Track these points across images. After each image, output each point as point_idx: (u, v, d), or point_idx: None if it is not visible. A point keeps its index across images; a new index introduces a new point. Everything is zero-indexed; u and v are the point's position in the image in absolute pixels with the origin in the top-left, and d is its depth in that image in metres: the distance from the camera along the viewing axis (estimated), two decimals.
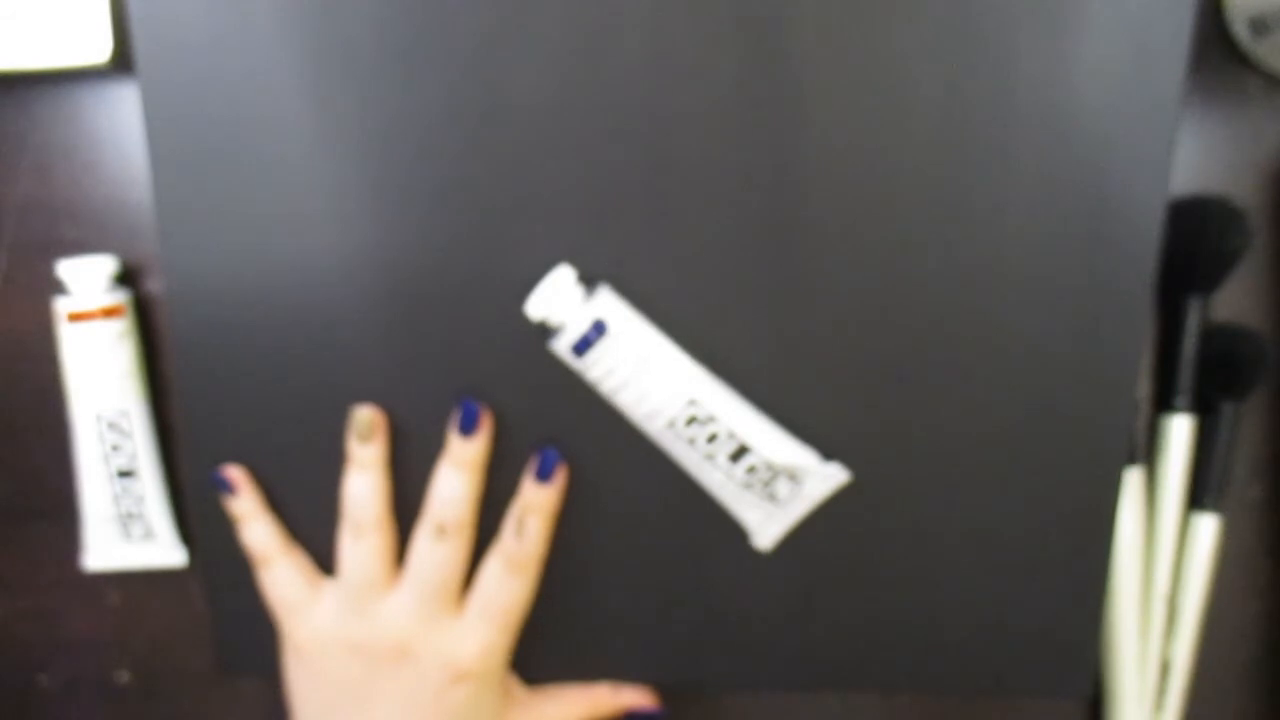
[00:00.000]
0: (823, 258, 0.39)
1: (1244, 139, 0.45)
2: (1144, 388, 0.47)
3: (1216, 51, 0.45)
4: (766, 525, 0.41)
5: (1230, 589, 0.49)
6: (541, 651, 0.44)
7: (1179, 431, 0.46)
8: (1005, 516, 0.42)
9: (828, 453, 0.41)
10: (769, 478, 0.40)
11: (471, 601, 0.41)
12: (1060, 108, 0.38)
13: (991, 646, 0.43)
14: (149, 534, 0.48)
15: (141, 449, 0.47)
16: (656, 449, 0.41)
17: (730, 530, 0.42)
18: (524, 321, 0.40)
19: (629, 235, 0.39)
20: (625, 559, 0.43)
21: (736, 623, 0.43)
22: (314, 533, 0.43)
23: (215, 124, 0.39)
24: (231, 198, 0.40)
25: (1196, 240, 0.44)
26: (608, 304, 0.39)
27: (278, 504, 0.42)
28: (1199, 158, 0.46)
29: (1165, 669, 0.47)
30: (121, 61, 0.44)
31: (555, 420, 0.41)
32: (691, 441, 0.40)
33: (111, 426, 0.46)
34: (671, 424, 0.39)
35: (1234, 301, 0.46)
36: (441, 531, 0.41)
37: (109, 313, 0.45)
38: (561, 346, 0.39)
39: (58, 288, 0.47)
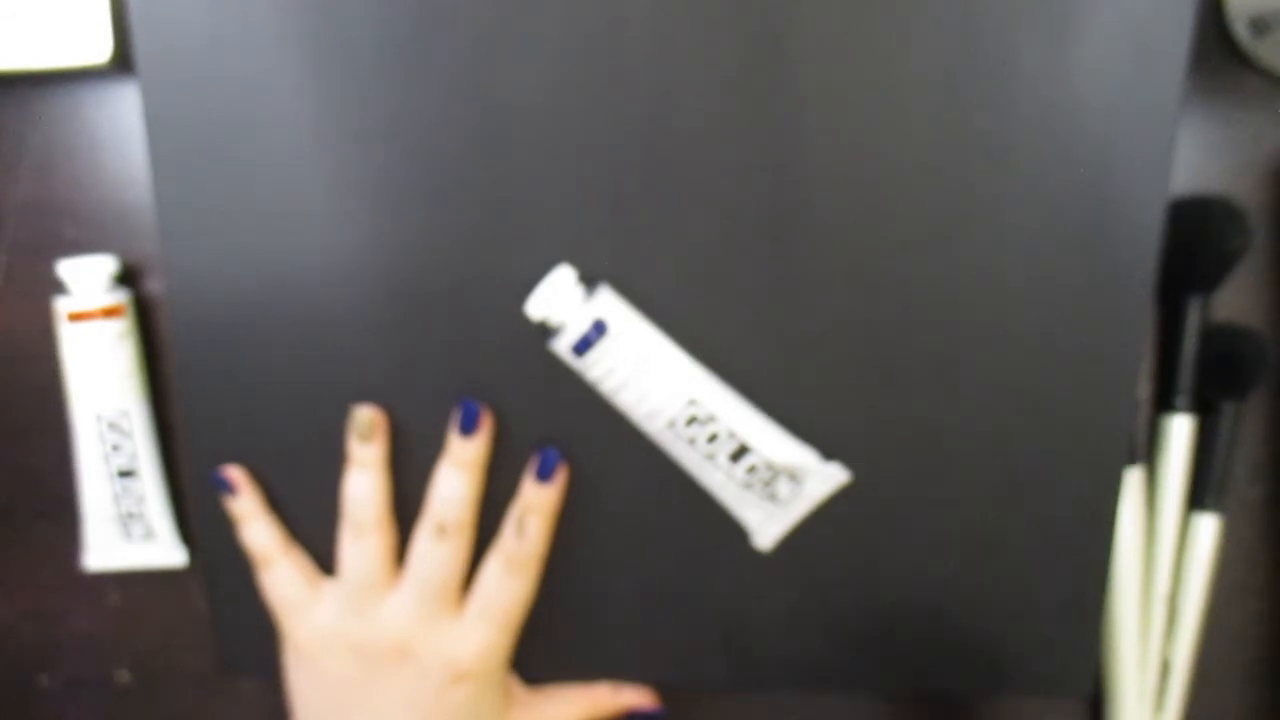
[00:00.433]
0: (823, 258, 0.39)
1: (1244, 139, 0.45)
2: (1144, 388, 0.47)
3: (1216, 51, 0.45)
4: (766, 525, 0.41)
5: (1230, 589, 0.49)
6: (541, 651, 0.44)
7: (1179, 431, 0.46)
8: (1005, 516, 0.42)
9: (828, 453, 0.41)
10: (769, 478, 0.40)
11: (471, 601, 0.41)
12: (1060, 108, 0.38)
13: (991, 646, 0.43)
14: (149, 534, 0.48)
15: (141, 449, 0.47)
16: (657, 449, 0.41)
17: (730, 530, 0.42)
18: (524, 321, 0.40)
19: (629, 235, 0.39)
20: (625, 559, 0.43)
21: (736, 623, 0.43)
22: (314, 533, 0.43)
23: (215, 124, 0.39)
24: (231, 198, 0.40)
25: (1197, 240, 0.44)
26: (608, 304, 0.39)
27: (278, 504, 0.42)
28: (1199, 158, 0.46)
29: (1165, 669, 0.47)
30: (121, 61, 0.44)
31: (555, 420, 0.41)
32: (692, 441, 0.40)
33: (111, 426, 0.46)
34: (672, 424, 0.39)
35: (1234, 301, 0.46)
36: (441, 531, 0.41)
37: (109, 313, 0.45)
38: (562, 346, 0.39)
39: (58, 288, 0.47)
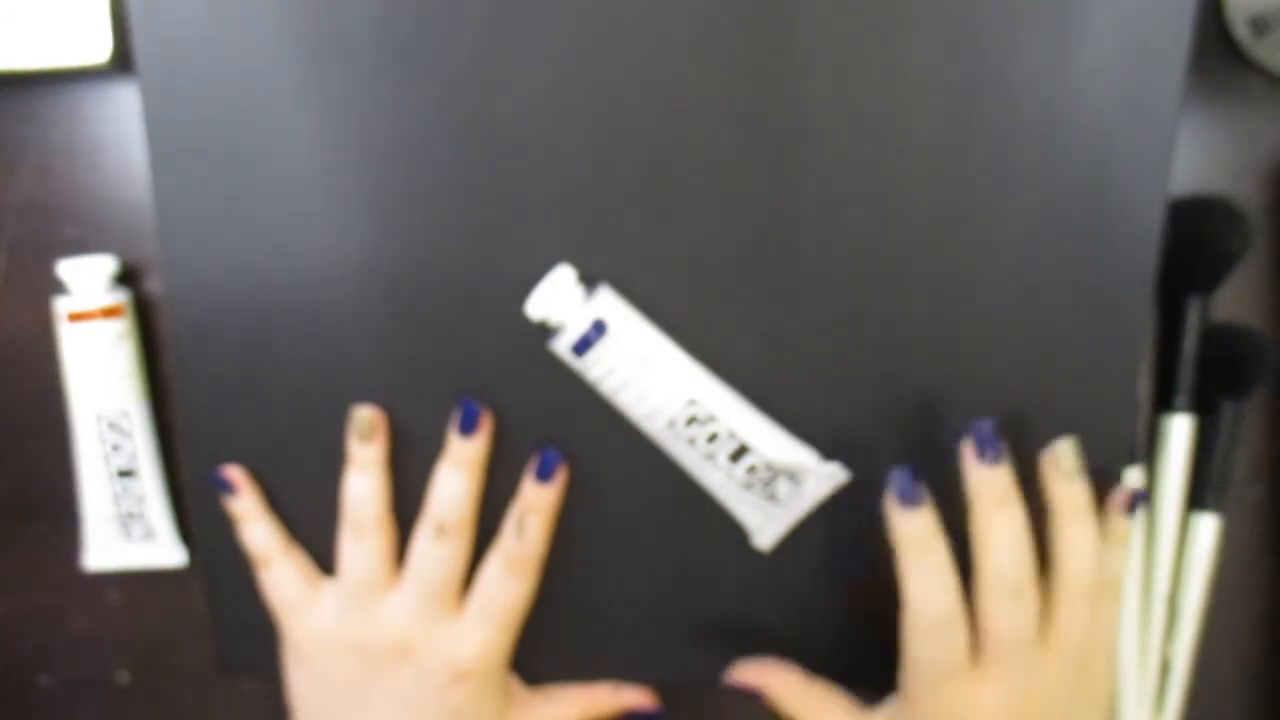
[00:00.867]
0: (822, 257, 0.39)
1: (1244, 139, 0.45)
2: (1144, 388, 0.47)
3: (1216, 51, 0.45)
4: (766, 525, 0.41)
5: (1230, 589, 0.49)
6: (541, 651, 0.44)
7: (1179, 431, 0.46)
8: None
9: (828, 453, 0.41)
10: (769, 478, 0.40)
11: (471, 601, 0.41)
12: (1060, 108, 0.38)
13: None
14: (149, 534, 0.48)
15: (141, 449, 0.47)
16: (657, 449, 0.41)
17: (730, 530, 0.42)
18: (524, 321, 0.40)
19: (629, 235, 0.39)
20: (625, 559, 0.43)
21: (736, 623, 0.43)
22: (314, 533, 0.43)
23: (215, 124, 0.39)
24: (231, 198, 0.40)
25: (1196, 240, 0.44)
26: (608, 304, 0.39)
27: (278, 504, 0.42)
28: (1199, 158, 0.46)
29: (1165, 669, 0.47)
30: (121, 61, 0.44)
31: (555, 420, 0.41)
32: (692, 441, 0.40)
33: (111, 426, 0.46)
34: (671, 424, 0.39)
35: (1234, 301, 0.46)
36: (441, 531, 0.41)
37: (109, 313, 0.45)
38: (562, 346, 0.39)
39: (58, 288, 0.47)
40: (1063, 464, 0.38)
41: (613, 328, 0.39)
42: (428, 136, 0.39)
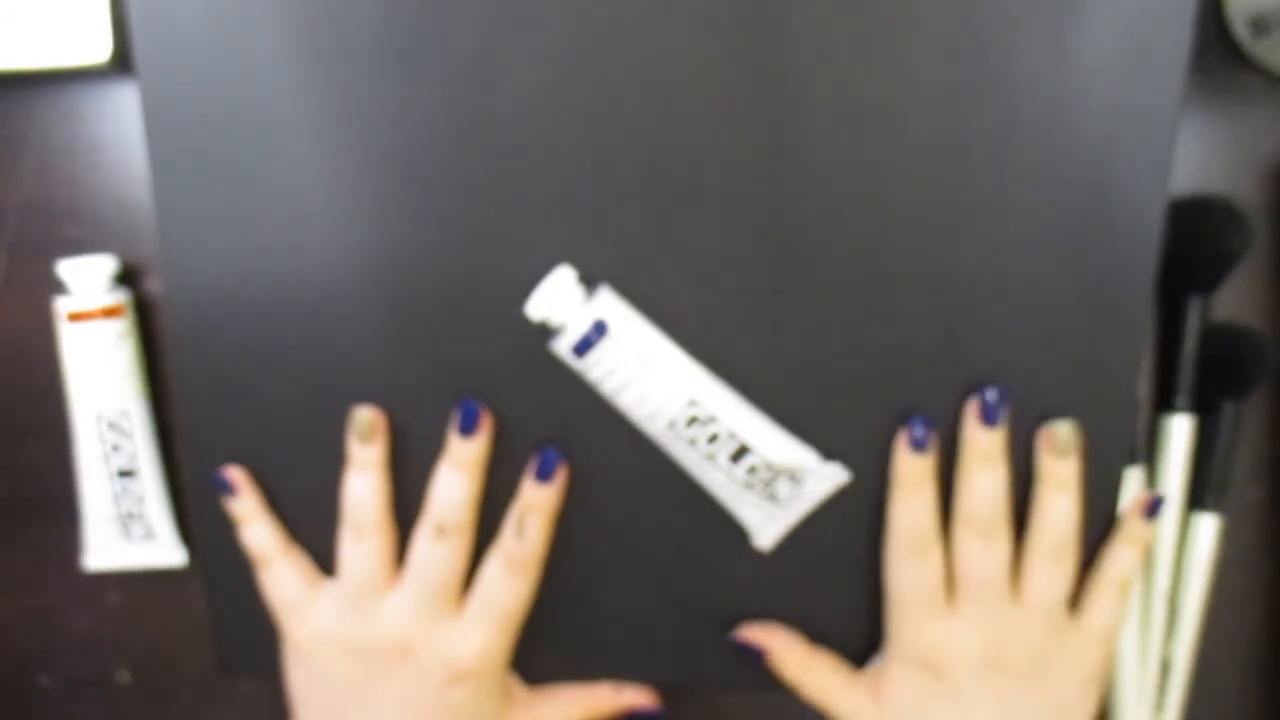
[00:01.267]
0: (823, 257, 0.39)
1: (1244, 139, 0.46)
2: (1144, 388, 0.47)
3: (1216, 51, 0.45)
4: (766, 525, 0.41)
5: (1230, 589, 0.49)
6: (541, 651, 0.44)
7: (1179, 431, 0.46)
8: None
9: (828, 453, 0.41)
10: (769, 478, 0.40)
11: (471, 601, 0.41)
12: (1060, 108, 0.38)
13: None
14: (149, 534, 0.48)
15: (141, 449, 0.47)
16: (657, 449, 0.41)
17: (730, 530, 0.42)
18: (524, 322, 0.40)
19: (629, 235, 0.39)
20: (625, 559, 0.43)
21: (736, 623, 0.43)
22: (314, 533, 0.43)
23: (215, 124, 0.39)
24: (231, 198, 0.40)
25: (1196, 240, 0.44)
26: (608, 304, 0.39)
27: (278, 504, 0.42)
28: (1199, 158, 0.46)
29: (1165, 669, 0.47)
30: (121, 61, 0.44)
31: (555, 420, 0.41)
32: (692, 442, 0.40)
33: (111, 426, 0.46)
34: (672, 424, 0.39)
35: (1234, 301, 0.46)
36: (441, 531, 0.41)
37: (109, 313, 0.45)
38: (562, 347, 0.39)
39: (58, 288, 0.47)
40: (1059, 441, 0.39)
41: (613, 328, 0.39)
42: (428, 136, 0.39)
